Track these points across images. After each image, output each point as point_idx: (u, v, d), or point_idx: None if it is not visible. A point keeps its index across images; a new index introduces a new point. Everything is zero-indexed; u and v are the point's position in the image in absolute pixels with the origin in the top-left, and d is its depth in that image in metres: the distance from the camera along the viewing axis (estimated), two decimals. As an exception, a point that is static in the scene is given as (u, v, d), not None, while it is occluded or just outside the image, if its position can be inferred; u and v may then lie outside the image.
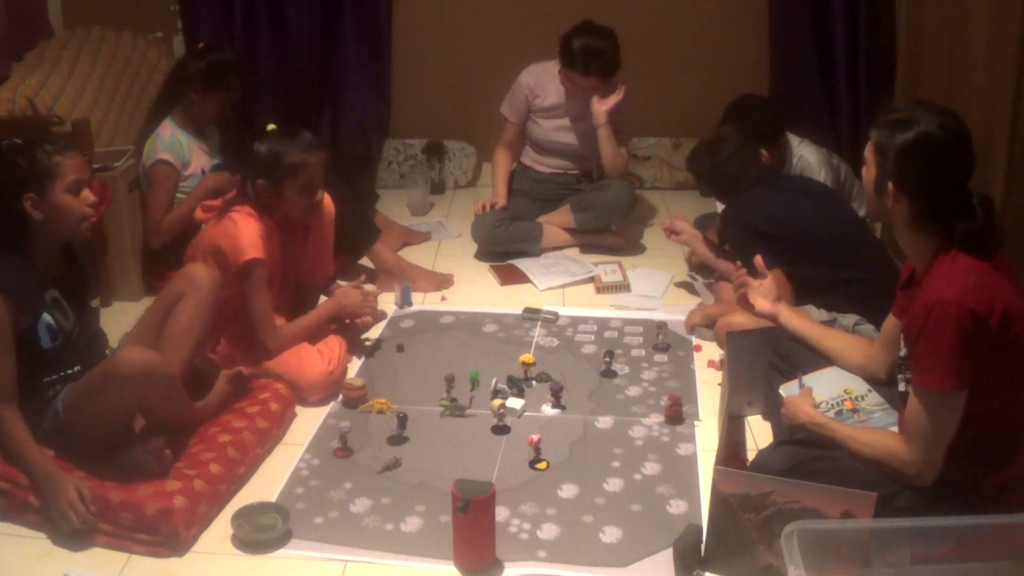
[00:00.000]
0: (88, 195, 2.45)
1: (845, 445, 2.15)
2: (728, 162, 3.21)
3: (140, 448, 2.38)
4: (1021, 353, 2.01)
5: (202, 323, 2.68)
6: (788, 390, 2.44)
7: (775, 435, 2.50)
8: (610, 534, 2.31)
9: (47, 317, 2.40)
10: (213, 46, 3.75)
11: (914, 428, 2.03)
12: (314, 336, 3.04)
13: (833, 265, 2.95)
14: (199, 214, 3.12)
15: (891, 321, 2.36)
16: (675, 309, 3.49)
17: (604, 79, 3.89)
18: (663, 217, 4.47)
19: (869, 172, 2.14)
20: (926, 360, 1.98)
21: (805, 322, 2.62)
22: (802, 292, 2.95)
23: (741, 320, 2.95)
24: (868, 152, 2.14)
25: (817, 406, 2.32)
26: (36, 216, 2.37)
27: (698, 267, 3.62)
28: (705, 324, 3.24)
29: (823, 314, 2.86)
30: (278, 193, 2.93)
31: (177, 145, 3.54)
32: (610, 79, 3.92)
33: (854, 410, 2.33)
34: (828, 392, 2.39)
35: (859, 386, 2.41)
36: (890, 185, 2.06)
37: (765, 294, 2.73)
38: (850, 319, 2.81)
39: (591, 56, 3.83)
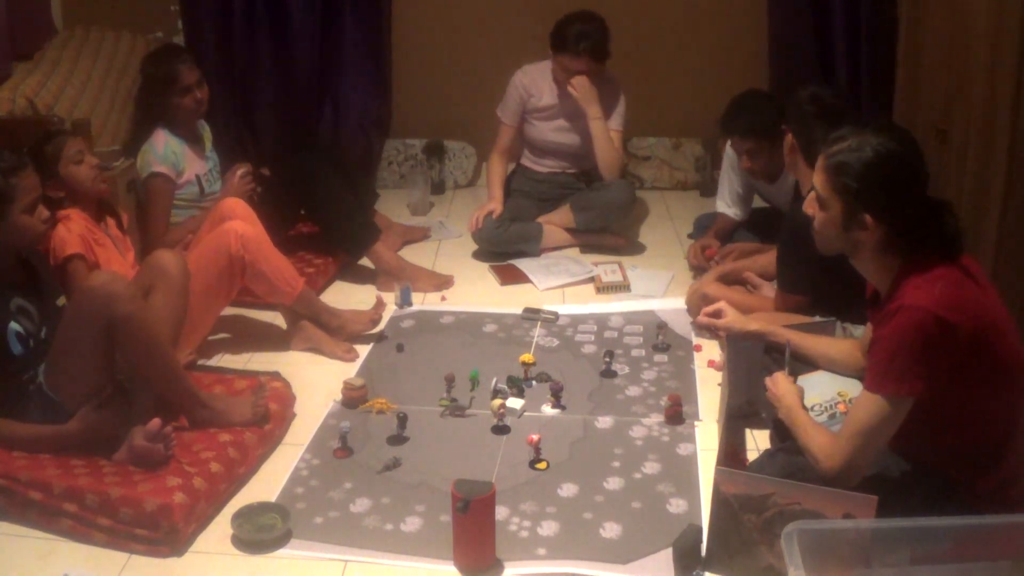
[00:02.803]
0: (42, 211, 2.48)
1: (794, 430, 2.17)
2: (816, 122, 2.84)
3: (138, 433, 2.38)
4: (1002, 359, 2.00)
5: (177, 312, 2.72)
6: (807, 380, 2.42)
7: (772, 440, 2.49)
8: (610, 530, 2.32)
9: (15, 325, 2.41)
10: (156, 49, 3.74)
11: (852, 425, 2.02)
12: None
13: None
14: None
15: (870, 330, 2.35)
16: (675, 308, 3.49)
17: (595, 61, 3.90)
18: (662, 219, 4.48)
19: (832, 210, 2.05)
20: (883, 364, 1.97)
21: (789, 331, 2.60)
22: (829, 307, 2.89)
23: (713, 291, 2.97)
24: (826, 191, 2.04)
25: (811, 408, 2.31)
26: None
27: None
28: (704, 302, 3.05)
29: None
30: None
31: (172, 155, 3.48)
32: (601, 64, 3.93)
33: (847, 413, 2.32)
34: (822, 395, 2.38)
35: (853, 388, 2.40)
36: (867, 218, 2.00)
37: (738, 317, 2.66)
38: (861, 333, 2.76)
39: (581, 36, 3.86)
